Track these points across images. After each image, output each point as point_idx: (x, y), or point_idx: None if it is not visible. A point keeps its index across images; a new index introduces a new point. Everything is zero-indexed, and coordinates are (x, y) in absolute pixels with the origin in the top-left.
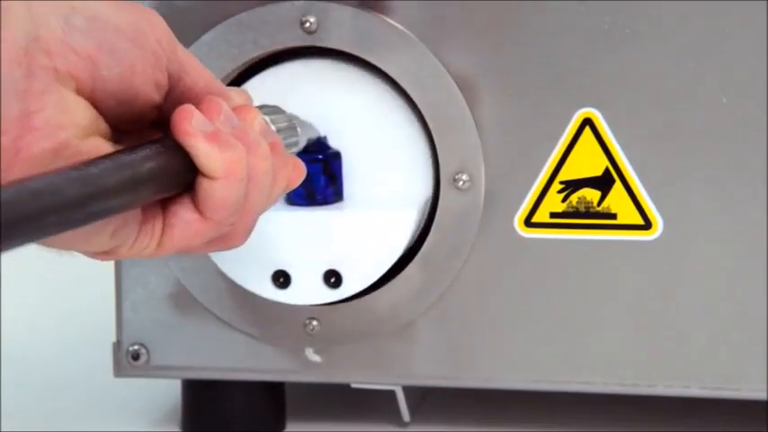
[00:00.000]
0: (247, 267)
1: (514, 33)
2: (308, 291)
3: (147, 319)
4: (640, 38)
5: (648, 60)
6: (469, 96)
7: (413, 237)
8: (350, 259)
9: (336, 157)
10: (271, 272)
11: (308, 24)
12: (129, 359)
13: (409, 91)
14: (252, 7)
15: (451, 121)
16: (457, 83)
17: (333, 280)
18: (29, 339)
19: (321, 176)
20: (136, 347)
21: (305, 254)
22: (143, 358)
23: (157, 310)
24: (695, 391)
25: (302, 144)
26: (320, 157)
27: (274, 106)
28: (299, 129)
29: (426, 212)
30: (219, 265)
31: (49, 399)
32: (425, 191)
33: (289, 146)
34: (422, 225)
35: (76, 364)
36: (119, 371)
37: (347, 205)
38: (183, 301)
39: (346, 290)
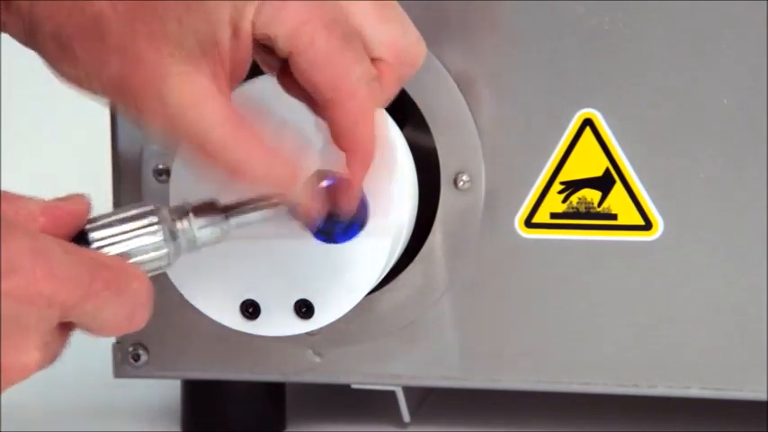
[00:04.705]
0: (215, 297)
1: (514, 33)
2: (278, 322)
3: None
4: (640, 38)
5: (648, 60)
6: (469, 96)
7: (387, 266)
8: (322, 289)
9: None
10: (239, 302)
11: None
12: (129, 360)
13: (409, 91)
14: None
15: (451, 122)
16: (457, 83)
17: (304, 310)
18: None
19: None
20: (136, 348)
21: (275, 283)
22: (143, 359)
23: (157, 310)
24: (695, 391)
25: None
26: None
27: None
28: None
29: (404, 239)
30: (186, 295)
31: (49, 399)
32: (400, 218)
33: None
34: (400, 252)
35: (76, 364)
36: (119, 372)
37: None
38: (183, 301)
39: (318, 321)
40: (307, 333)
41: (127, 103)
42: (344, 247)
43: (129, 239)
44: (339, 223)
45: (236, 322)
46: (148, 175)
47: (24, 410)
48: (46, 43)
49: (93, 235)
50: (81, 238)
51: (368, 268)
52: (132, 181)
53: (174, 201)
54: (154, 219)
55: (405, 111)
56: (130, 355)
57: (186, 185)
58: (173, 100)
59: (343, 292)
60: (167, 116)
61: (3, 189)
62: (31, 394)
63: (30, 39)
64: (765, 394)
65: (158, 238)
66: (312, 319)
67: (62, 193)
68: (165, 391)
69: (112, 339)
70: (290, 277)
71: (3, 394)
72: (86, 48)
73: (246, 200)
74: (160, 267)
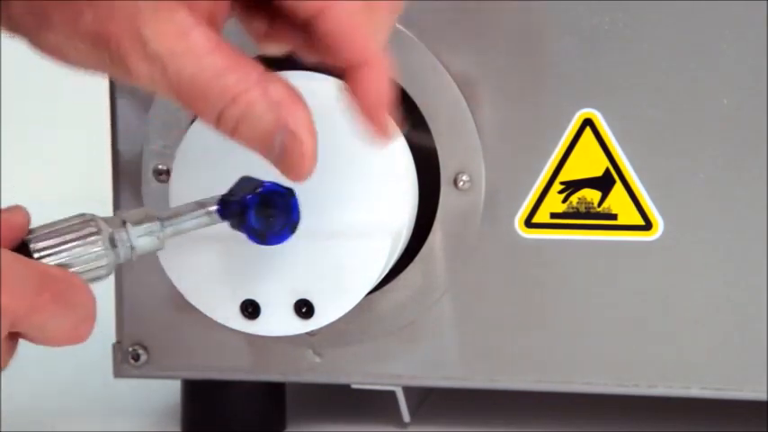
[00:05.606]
0: (215, 297)
1: (514, 33)
2: (277, 321)
3: (147, 319)
4: (640, 38)
5: (648, 60)
6: (469, 97)
7: (387, 266)
8: (322, 289)
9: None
10: (239, 301)
11: None
12: (129, 360)
13: (409, 91)
14: None
15: (451, 122)
16: (457, 83)
17: (304, 310)
18: None
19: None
20: (136, 348)
21: (275, 283)
22: (143, 359)
23: (157, 310)
24: (695, 391)
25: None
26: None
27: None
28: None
29: (404, 239)
30: (186, 295)
31: (49, 399)
32: (400, 218)
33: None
34: (400, 252)
35: (76, 364)
36: (118, 372)
37: (319, 234)
38: (182, 301)
39: (318, 321)
40: (307, 333)
41: (109, 53)
42: (344, 247)
43: (70, 249)
44: (272, 225)
45: (236, 322)
46: (148, 175)
47: (24, 410)
48: (22, 19)
49: (35, 246)
50: (22, 248)
51: (368, 268)
52: (132, 181)
53: (175, 201)
54: (93, 228)
55: (405, 111)
56: (130, 355)
57: (186, 185)
58: (154, 35)
59: (343, 292)
60: (151, 55)
61: (3, 191)
62: (31, 394)
63: (5, 22)
64: (765, 394)
65: (98, 247)
66: (312, 319)
67: (62, 194)
68: (165, 391)
69: (113, 339)
70: (290, 277)
71: (3, 394)
72: (59, 8)
73: (182, 207)
74: (99, 276)
